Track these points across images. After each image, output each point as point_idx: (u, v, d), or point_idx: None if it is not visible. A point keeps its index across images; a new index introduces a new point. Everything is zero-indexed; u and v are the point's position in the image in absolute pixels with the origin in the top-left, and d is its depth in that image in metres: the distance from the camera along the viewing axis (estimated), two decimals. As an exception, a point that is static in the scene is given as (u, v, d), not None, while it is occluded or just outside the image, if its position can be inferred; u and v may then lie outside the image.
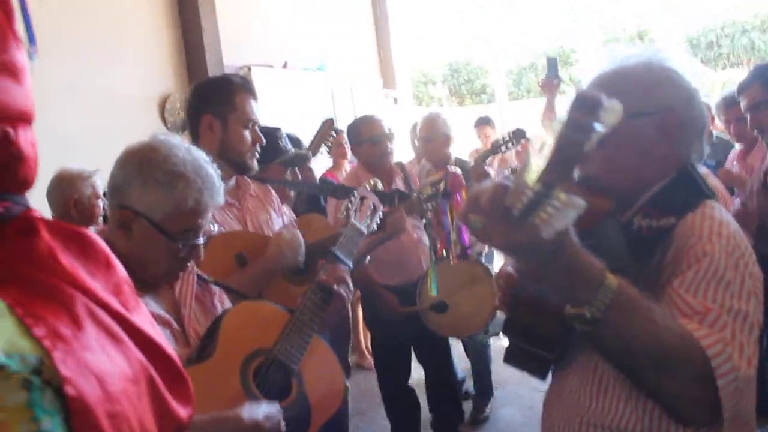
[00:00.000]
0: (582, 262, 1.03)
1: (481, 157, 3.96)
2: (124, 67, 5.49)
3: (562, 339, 1.35)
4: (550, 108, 4.13)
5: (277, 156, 3.10)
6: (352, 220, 2.27)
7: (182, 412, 0.74)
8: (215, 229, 2.30)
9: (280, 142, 3.14)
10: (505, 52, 22.00)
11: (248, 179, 2.64)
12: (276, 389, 1.68)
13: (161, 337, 0.77)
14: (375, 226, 2.41)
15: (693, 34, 23.81)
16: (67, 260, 0.68)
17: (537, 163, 0.83)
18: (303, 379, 1.73)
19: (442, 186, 2.97)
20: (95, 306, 0.68)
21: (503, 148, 3.93)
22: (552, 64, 4.25)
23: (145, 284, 1.62)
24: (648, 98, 1.32)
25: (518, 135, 3.85)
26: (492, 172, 4.06)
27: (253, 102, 2.49)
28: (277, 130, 3.20)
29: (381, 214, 2.47)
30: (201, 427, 1.31)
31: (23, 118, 0.68)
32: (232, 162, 2.47)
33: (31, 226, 0.68)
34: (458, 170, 3.47)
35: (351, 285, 2.05)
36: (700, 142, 1.39)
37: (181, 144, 1.65)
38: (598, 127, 0.79)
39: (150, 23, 5.89)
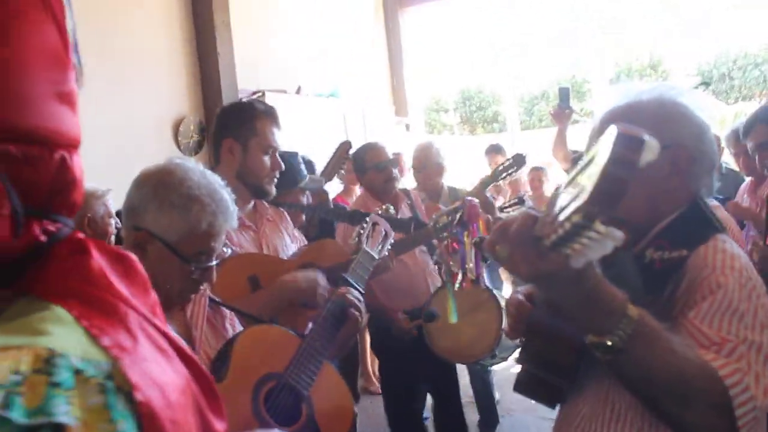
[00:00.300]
0: (604, 291, 1.05)
1: (482, 185, 3.99)
2: (140, 90, 5.56)
3: (576, 367, 1.36)
4: (561, 137, 4.15)
5: (294, 180, 3.12)
6: (364, 246, 2.28)
7: (219, 426, 0.78)
8: (228, 252, 2.32)
9: (297, 168, 3.18)
10: (517, 81, 22.10)
11: (266, 204, 2.67)
12: (286, 414, 1.68)
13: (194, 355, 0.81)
14: (386, 252, 2.42)
15: (705, 66, 23.87)
16: (115, 279, 0.73)
17: (566, 195, 0.85)
18: (313, 403, 1.74)
19: (458, 216, 2.98)
20: (145, 322, 0.73)
21: (504, 174, 3.96)
22: (564, 94, 4.27)
23: None
24: (660, 133, 1.31)
25: (518, 160, 3.88)
26: (494, 198, 4.09)
27: (275, 129, 2.53)
28: (295, 155, 3.23)
29: (392, 240, 2.49)
30: None
31: (75, 144, 0.73)
32: (250, 186, 2.52)
33: (82, 246, 0.73)
34: (476, 200, 3.49)
35: (364, 309, 2.06)
36: (710, 176, 1.42)
37: (196, 167, 1.68)
38: (646, 156, 0.83)
39: (166, 47, 5.98)
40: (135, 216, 1.63)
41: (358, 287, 2.10)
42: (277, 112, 2.61)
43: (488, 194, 3.99)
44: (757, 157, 2.74)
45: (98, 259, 0.73)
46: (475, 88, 25.64)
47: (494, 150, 7.77)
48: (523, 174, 7.85)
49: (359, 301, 2.03)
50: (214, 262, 1.67)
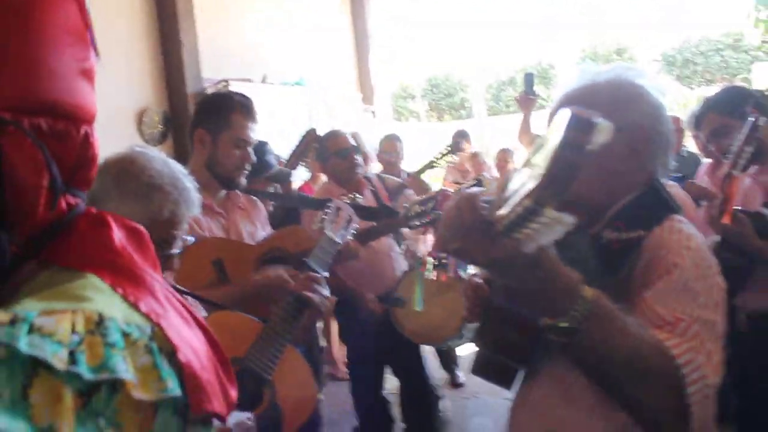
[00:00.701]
0: (560, 274, 1.05)
1: (419, 171, 4.09)
2: (102, 80, 5.43)
3: (532, 350, 1.37)
4: (526, 123, 4.19)
5: (262, 170, 3.12)
6: (327, 231, 2.28)
7: (233, 393, 0.80)
8: (191, 240, 2.32)
9: (267, 157, 3.18)
10: (484, 68, 22.18)
11: (239, 192, 2.68)
12: (248, 398, 1.69)
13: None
14: (350, 237, 2.43)
15: (669, 51, 24.18)
16: (133, 251, 0.76)
17: (520, 177, 0.85)
18: (275, 388, 1.75)
19: (431, 205, 2.99)
20: (168, 292, 0.77)
21: (441, 162, 4.08)
22: (529, 81, 4.31)
23: None
24: (617, 115, 1.28)
25: (456, 147, 3.96)
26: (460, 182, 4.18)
27: (250, 123, 2.55)
28: (265, 144, 3.23)
29: (356, 225, 2.50)
30: None
31: (93, 121, 0.77)
32: (218, 177, 2.54)
33: (102, 219, 0.77)
34: (450, 190, 3.51)
35: (327, 293, 2.07)
36: (667, 157, 1.42)
37: (158, 156, 1.67)
38: (597, 137, 0.82)
39: (129, 36, 5.89)
40: (96, 205, 1.61)
41: (320, 271, 2.10)
42: (254, 105, 2.62)
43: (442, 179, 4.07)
44: (712, 146, 2.80)
45: (117, 232, 0.76)
46: (443, 75, 25.67)
47: (460, 136, 7.80)
48: (491, 156, 7.91)
49: (322, 285, 2.04)
50: (176, 251, 1.67)
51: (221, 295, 2.17)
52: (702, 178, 4.40)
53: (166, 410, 0.67)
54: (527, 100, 4.19)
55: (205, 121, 2.54)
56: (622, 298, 1.21)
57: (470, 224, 0.94)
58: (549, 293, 1.05)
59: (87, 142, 0.75)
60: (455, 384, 5.50)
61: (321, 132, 4.22)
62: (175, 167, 1.68)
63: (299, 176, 5.53)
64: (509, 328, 1.36)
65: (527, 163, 0.86)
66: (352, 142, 3.89)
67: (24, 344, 0.57)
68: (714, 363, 1.15)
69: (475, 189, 0.88)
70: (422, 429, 4.08)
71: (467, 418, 4.81)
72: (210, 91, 6.47)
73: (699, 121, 2.82)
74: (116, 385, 0.62)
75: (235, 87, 6.41)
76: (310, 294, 1.98)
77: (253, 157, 2.58)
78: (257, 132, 3.49)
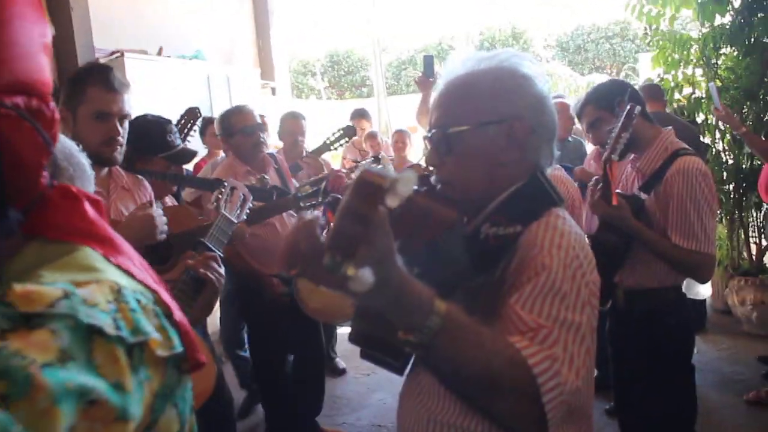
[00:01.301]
0: (408, 291, 1.02)
1: (316, 152, 4.18)
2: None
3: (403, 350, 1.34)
4: (425, 104, 4.27)
5: (163, 148, 3.04)
6: (222, 210, 2.29)
7: (201, 356, 0.84)
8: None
9: (168, 136, 3.08)
10: (384, 47, 22.25)
11: (122, 171, 2.60)
12: None
13: None
14: (245, 216, 2.44)
15: (563, 38, 25.03)
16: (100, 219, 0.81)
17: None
18: None
19: (322, 186, 3.00)
20: (137, 254, 0.82)
21: (334, 146, 4.18)
22: (428, 63, 4.38)
23: None
24: (496, 106, 1.34)
25: (348, 132, 4.04)
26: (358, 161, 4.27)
27: (110, 94, 2.39)
28: (168, 122, 3.15)
29: (251, 204, 2.50)
30: None
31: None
32: (88, 156, 2.40)
33: (70, 191, 0.80)
34: (342, 171, 3.55)
35: (222, 270, 2.05)
36: (550, 147, 1.41)
37: None
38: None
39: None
40: None
41: (216, 251, 2.10)
42: (112, 73, 2.44)
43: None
44: (590, 136, 2.99)
45: (86, 203, 0.80)
46: (344, 52, 25.63)
47: (359, 115, 7.85)
48: (388, 137, 8.00)
49: (218, 264, 2.04)
50: None
51: None
52: (589, 164, 4.65)
53: (171, 365, 0.76)
54: (426, 82, 4.27)
55: (64, 98, 2.39)
56: (496, 296, 1.24)
57: (306, 252, 0.95)
58: (399, 311, 1.05)
59: (54, 118, 0.77)
60: (336, 371, 5.40)
61: (219, 109, 4.16)
62: (66, 143, 1.64)
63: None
64: (380, 326, 1.25)
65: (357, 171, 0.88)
66: (258, 119, 3.86)
67: (84, 315, 0.65)
68: (575, 367, 1.15)
69: (372, 167, 0.89)
70: (306, 413, 4.13)
71: (367, 394, 4.91)
72: (103, 62, 6.24)
73: (579, 114, 3.00)
74: (143, 345, 0.71)
75: (129, 59, 6.21)
76: (207, 272, 1.98)
77: (120, 130, 2.41)
78: (152, 107, 3.41)
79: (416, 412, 1.37)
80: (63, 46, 5.84)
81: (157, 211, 2.30)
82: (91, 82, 2.38)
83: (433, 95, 1.44)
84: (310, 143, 4.94)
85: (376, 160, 4.13)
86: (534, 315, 1.17)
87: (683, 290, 2.84)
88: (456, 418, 1.29)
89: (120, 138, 2.43)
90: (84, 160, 1.65)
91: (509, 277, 1.25)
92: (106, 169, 2.50)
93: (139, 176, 2.75)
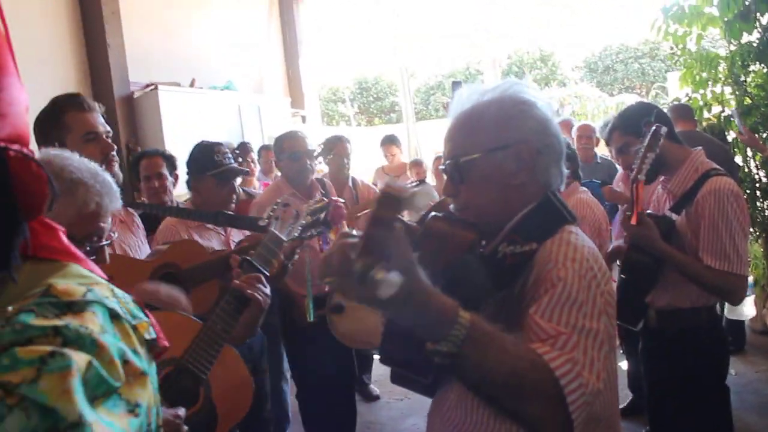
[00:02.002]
0: (435, 302, 1.10)
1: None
2: (27, 85, 5.34)
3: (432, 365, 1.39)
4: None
5: (210, 167, 3.14)
6: (272, 228, 2.27)
7: (165, 342, 0.98)
8: (116, 236, 2.31)
9: (215, 156, 3.17)
10: (413, 72, 22.39)
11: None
12: (184, 396, 1.72)
13: None
14: (296, 234, 2.40)
15: (591, 58, 24.97)
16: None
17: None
18: (211, 387, 1.79)
19: (323, 216, 3.00)
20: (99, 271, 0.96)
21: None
22: (456, 89, 4.44)
23: None
24: (502, 133, 1.42)
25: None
26: None
27: (87, 114, 2.40)
28: (218, 144, 3.25)
29: (302, 222, 2.47)
30: None
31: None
32: None
33: (45, 220, 0.92)
34: (341, 201, 3.58)
35: (267, 290, 2.05)
36: (558, 167, 1.48)
37: (72, 155, 1.68)
38: (410, 213, 0.93)
39: (52, 38, 5.78)
40: None
41: (262, 270, 2.09)
42: (81, 97, 2.47)
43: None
44: (619, 160, 3.01)
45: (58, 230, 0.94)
46: (372, 78, 25.84)
47: (389, 141, 7.91)
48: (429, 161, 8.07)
49: (263, 283, 2.04)
50: (106, 242, 1.69)
51: None
52: (617, 184, 4.65)
53: (148, 347, 0.91)
54: (456, 108, 4.33)
55: (46, 139, 2.36)
56: (515, 311, 1.30)
57: (338, 268, 1.02)
58: (425, 322, 1.12)
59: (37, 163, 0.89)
60: (370, 396, 5.39)
61: (251, 138, 4.26)
62: (91, 164, 1.69)
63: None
64: (409, 346, 1.35)
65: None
66: (309, 146, 3.93)
67: (108, 302, 0.84)
68: (596, 370, 1.21)
69: (417, 189, 0.98)
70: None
71: (401, 419, 4.90)
72: (137, 95, 6.40)
73: (607, 140, 3.04)
74: (136, 328, 0.88)
75: (163, 91, 6.37)
76: (253, 292, 1.99)
77: (113, 146, 2.43)
78: (185, 136, 3.49)
79: (444, 428, 1.42)
80: (99, 79, 6.01)
81: (185, 299, 2.29)
82: (66, 110, 2.39)
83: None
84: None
85: (421, 182, 4.17)
86: (553, 323, 1.24)
87: (724, 311, 2.82)
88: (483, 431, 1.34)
89: (115, 154, 2.43)
90: (109, 177, 1.71)
91: (527, 292, 1.32)
92: None
93: (130, 210, 2.82)
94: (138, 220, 2.80)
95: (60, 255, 0.90)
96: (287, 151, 3.87)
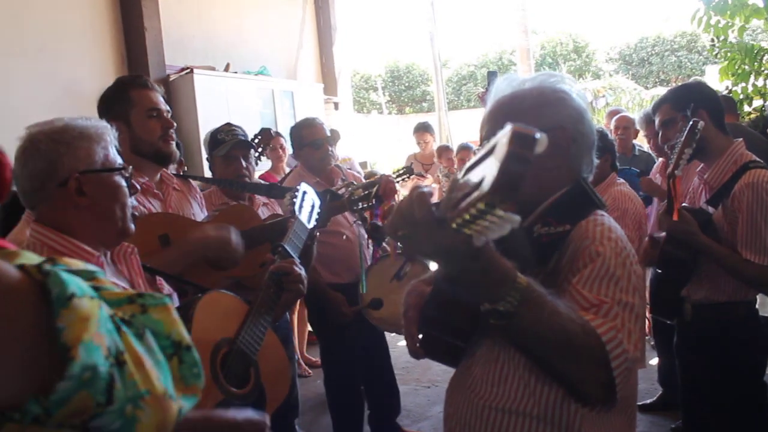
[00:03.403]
0: (497, 264, 1.16)
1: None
2: (62, 66, 5.44)
3: (473, 331, 1.50)
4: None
5: (214, 148, 3.27)
6: (298, 215, 2.28)
7: None
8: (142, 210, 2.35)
9: (218, 135, 3.29)
10: (445, 61, 22.28)
11: (171, 174, 2.70)
12: (237, 378, 1.74)
13: None
14: (314, 222, 2.42)
15: (626, 50, 24.63)
16: None
17: (466, 182, 0.97)
18: (259, 368, 1.79)
19: (374, 190, 3.04)
20: None
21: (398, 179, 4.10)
22: (492, 79, 4.41)
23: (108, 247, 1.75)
24: (540, 118, 1.46)
25: (409, 170, 4.02)
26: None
27: (150, 92, 2.52)
28: (226, 124, 3.36)
29: (319, 210, 2.50)
30: (193, 424, 1.27)
31: None
32: (148, 156, 2.50)
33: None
34: (392, 176, 3.59)
35: (303, 273, 2.06)
36: (590, 156, 1.56)
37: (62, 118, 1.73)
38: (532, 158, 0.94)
39: (90, 21, 5.85)
40: (51, 175, 1.63)
41: (294, 256, 2.11)
42: (145, 77, 2.60)
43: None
44: (660, 134, 2.95)
45: None
46: (404, 67, 25.78)
47: (422, 128, 7.90)
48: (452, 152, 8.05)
49: (299, 267, 2.04)
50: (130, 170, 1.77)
51: (161, 258, 2.18)
52: (654, 176, 4.59)
53: None
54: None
55: (110, 113, 2.48)
56: (551, 286, 1.34)
57: (420, 217, 1.05)
58: (487, 281, 1.17)
59: (5, 163, 0.89)
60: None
61: (283, 123, 4.26)
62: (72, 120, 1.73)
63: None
64: (453, 310, 1.47)
65: (473, 169, 0.98)
66: (327, 132, 3.94)
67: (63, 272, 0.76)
68: (633, 340, 1.29)
69: (422, 185, 1.00)
70: (388, 413, 4.19)
71: (427, 406, 4.91)
72: (173, 78, 6.46)
73: (655, 109, 2.97)
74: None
75: (198, 75, 6.42)
76: (293, 277, 1.99)
77: (173, 123, 2.55)
78: (219, 120, 3.55)
79: (470, 402, 1.48)
80: (136, 62, 6.07)
81: (235, 233, 2.40)
82: (131, 88, 2.51)
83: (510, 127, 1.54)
84: (378, 157, 4.97)
85: (408, 169, 4.12)
86: (594, 293, 1.32)
87: (757, 307, 2.77)
88: (512, 403, 1.40)
89: (173, 131, 2.55)
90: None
91: (564, 267, 1.40)
92: (158, 175, 2.60)
93: (188, 178, 2.87)
94: (195, 187, 2.86)
95: (6, 245, 0.84)
96: (307, 138, 3.86)
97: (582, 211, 1.47)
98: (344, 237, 3.74)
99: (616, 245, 1.38)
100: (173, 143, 2.56)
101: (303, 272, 2.03)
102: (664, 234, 2.72)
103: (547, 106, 1.51)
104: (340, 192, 3.17)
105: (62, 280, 0.66)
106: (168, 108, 2.58)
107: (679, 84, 3.06)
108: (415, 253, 1.14)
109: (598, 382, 1.26)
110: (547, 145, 1.42)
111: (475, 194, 0.91)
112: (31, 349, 0.63)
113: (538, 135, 0.93)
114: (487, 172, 0.92)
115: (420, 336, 1.60)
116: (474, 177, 0.95)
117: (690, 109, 2.68)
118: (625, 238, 1.43)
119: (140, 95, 2.50)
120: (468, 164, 1.01)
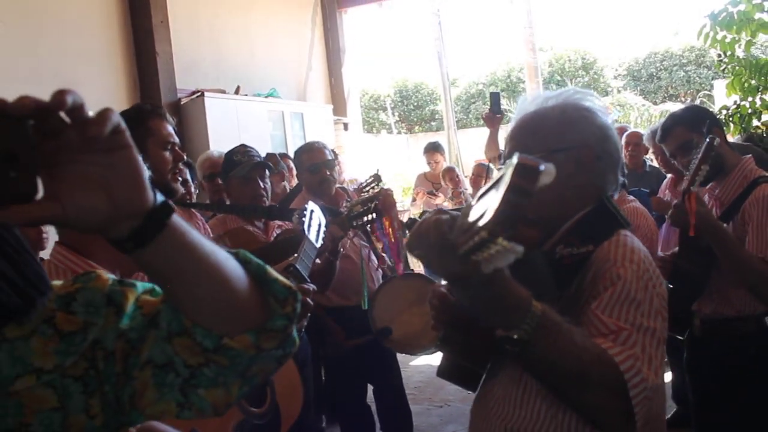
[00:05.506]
0: (511, 291, 1.15)
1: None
2: (79, 92, 5.48)
3: (491, 355, 1.49)
4: (492, 140, 4.31)
5: (230, 170, 3.31)
6: (307, 234, 2.30)
7: None
8: None
9: (234, 157, 3.34)
10: (453, 80, 22.34)
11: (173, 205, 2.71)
12: (254, 396, 1.75)
13: None
14: (321, 241, 2.45)
15: (634, 66, 24.60)
16: None
17: (479, 207, 0.98)
18: (274, 387, 1.81)
19: (373, 205, 3.03)
20: None
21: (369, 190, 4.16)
22: (495, 100, 4.42)
23: None
24: (564, 136, 1.48)
25: (377, 178, 4.05)
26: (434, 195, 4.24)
27: (168, 125, 2.54)
28: (241, 146, 3.40)
29: (325, 229, 2.52)
30: None
31: None
32: (156, 187, 2.49)
33: None
34: (391, 190, 3.61)
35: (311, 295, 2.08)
36: (615, 174, 1.53)
37: None
38: (535, 189, 0.94)
39: (105, 49, 5.95)
40: None
41: (305, 275, 2.12)
42: (162, 108, 2.63)
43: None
44: (677, 160, 2.88)
45: None
46: (413, 86, 25.85)
47: (433, 148, 7.92)
48: (460, 170, 8.07)
49: (309, 291, 2.06)
50: None
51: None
52: (664, 193, 4.58)
53: None
54: (494, 118, 4.30)
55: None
56: (572, 310, 1.34)
57: (434, 242, 1.06)
58: (501, 308, 1.17)
59: None
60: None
61: (293, 145, 4.29)
62: None
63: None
64: (471, 334, 1.46)
65: (485, 195, 0.99)
66: (328, 155, 3.95)
67: None
68: (654, 366, 1.26)
69: (442, 213, 1.04)
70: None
71: (440, 426, 4.90)
72: (184, 101, 6.53)
73: (665, 135, 2.90)
74: None
75: (209, 98, 6.49)
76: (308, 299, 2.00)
77: (184, 156, 2.57)
78: (229, 143, 3.59)
79: (491, 422, 1.46)
80: (148, 86, 6.15)
81: None
82: (150, 117, 2.52)
83: (507, 130, 1.55)
84: (388, 177, 4.99)
85: (376, 177, 4.17)
86: (614, 319, 1.29)
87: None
88: (533, 426, 1.38)
89: (183, 166, 2.57)
90: None
91: (585, 290, 1.37)
92: None
93: (192, 209, 2.91)
94: (198, 216, 2.91)
95: None
96: (306, 163, 3.86)
97: (605, 230, 1.44)
98: (353, 259, 3.73)
99: (638, 267, 1.35)
100: (179, 180, 2.56)
101: (312, 287, 2.04)
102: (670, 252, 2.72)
103: (571, 123, 1.50)
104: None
105: None
106: (177, 140, 2.59)
107: (685, 106, 3.04)
108: (433, 273, 1.15)
109: (616, 411, 1.24)
110: (572, 162, 1.46)
111: (480, 223, 0.93)
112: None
113: (542, 167, 0.93)
114: (491, 201, 0.93)
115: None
116: (483, 204, 0.97)
117: (705, 127, 2.67)
118: (649, 259, 1.40)
119: (159, 126, 2.51)
120: (482, 189, 1.01)
